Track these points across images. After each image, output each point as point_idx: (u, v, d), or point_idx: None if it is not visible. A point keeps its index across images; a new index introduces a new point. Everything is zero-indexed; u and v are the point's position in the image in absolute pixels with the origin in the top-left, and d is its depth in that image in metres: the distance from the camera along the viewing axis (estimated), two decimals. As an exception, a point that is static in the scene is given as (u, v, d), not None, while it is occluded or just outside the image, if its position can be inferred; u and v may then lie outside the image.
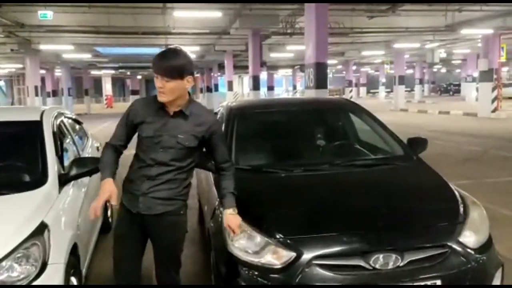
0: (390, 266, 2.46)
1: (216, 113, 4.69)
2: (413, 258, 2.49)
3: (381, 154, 3.86)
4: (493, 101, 19.04)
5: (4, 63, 28.83)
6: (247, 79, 43.61)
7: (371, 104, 19.95)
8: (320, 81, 9.51)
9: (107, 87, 44.96)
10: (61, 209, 2.90)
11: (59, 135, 3.64)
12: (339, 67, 42.55)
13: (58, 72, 33.78)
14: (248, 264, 2.54)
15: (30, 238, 2.40)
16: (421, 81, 42.74)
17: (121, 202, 2.65)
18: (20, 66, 27.23)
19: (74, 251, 2.78)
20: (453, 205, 2.89)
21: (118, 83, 56.32)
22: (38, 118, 3.52)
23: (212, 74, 35.21)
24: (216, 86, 35.10)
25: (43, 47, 18.70)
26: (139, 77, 38.43)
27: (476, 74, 26.86)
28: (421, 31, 19.04)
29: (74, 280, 2.72)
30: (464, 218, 2.77)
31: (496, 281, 2.70)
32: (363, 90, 49.78)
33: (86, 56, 24.45)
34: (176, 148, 2.50)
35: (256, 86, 17.14)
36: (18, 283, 2.28)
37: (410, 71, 43.36)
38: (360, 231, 2.63)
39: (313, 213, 2.77)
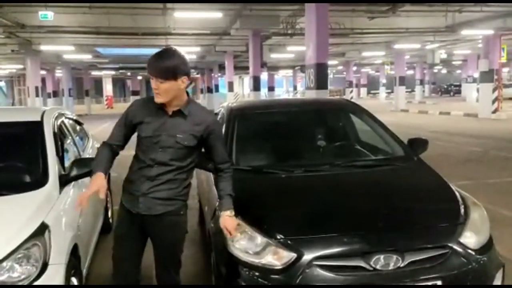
0: (391, 267, 2.46)
1: (216, 114, 4.69)
2: (414, 259, 2.49)
3: (381, 155, 3.86)
4: (493, 101, 19.03)
5: (4, 63, 28.86)
6: (247, 80, 43.63)
7: (372, 105, 19.94)
8: (321, 82, 9.51)
9: (108, 88, 44.96)
10: (62, 210, 2.90)
11: (59, 135, 3.65)
12: (340, 67, 42.56)
13: (58, 73, 33.80)
14: (248, 265, 2.54)
15: (31, 238, 2.40)
16: (422, 82, 42.75)
17: (121, 203, 2.66)
18: (21, 66, 27.24)
19: (74, 252, 2.78)
20: (454, 206, 2.89)
21: (119, 84, 56.34)
22: (38, 119, 3.52)
23: (212, 74, 35.23)
24: (217, 86, 35.12)
25: (43, 47, 18.71)
26: (139, 77, 38.43)
27: (476, 75, 26.83)
28: (421, 32, 19.04)
29: (74, 281, 2.72)
30: (465, 219, 2.77)
31: (497, 282, 2.70)
32: (363, 90, 49.78)
33: (87, 57, 24.47)
34: (175, 148, 2.51)
35: (256, 86, 17.14)
36: (19, 284, 2.28)
37: (410, 72, 43.35)
38: (361, 231, 2.63)
39: (314, 214, 2.77)
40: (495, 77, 18.93)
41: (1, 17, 13.51)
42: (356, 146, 4.15)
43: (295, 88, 49.17)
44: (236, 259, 2.58)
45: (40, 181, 2.97)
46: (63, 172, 3.18)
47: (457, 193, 3.06)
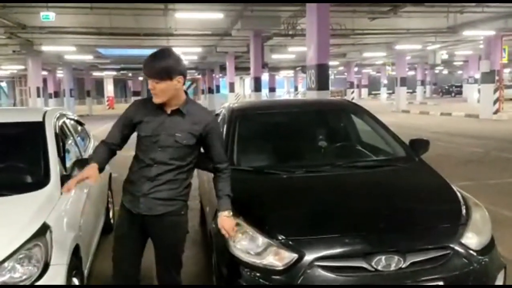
0: (392, 267, 2.45)
1: (217, 115, 4.70)
2: (415, 260, 2.49)
3: (383, 156, 3.85)
4: (495, 102, 19.02)
5: (6, 64, 28.90)
6: (248, 81, 43.64)
7: (373, 106, 19.95)
8: (322, 83, 9.50)
9: (109, 88, 45.02)
10: (63, 210, 2.90)
11: (61, 136, 3.65)
12: (341, 68, 42.53)
13: (60, 74, 33.85)
14: (249, 265, 2.54)
15: (32, 239, 2.41)
16: (423, 83, 42.75)
17: (122, 203, 2.67)
18: (22, 67, 27.26)
19: (76, 252, 2.78)
20: (455, 207, 2.89)
21: (120, 84, 56.40)
22: (40, 119, 3.52)
23: (213, 75, 35.23)
24: (218, 87, 35.11)
25: (45, 48, 18.73)
26: (140, 78, 38.42)
27: (478, 76, 26.82)
28: (422, 32, 19.03)
29: (76, 281, 2.73)
30: (466, 220, 2.76)
31: (498, 283, 2.69)
32: (364, 91, 49.73)
33: (88, 58, 24.49)
34: (174, 147, 2.52)
35: (257, 87, 17.14)
36: (20, 284, 2.29)
37: (411, 73, 43.34)
38: (362, 232, 2.63)
39: (315, 215, 2.77)
40: (497, 78, 18.92)
41: (2, 18, 13.53)
42: (357, 147, 4.15)
43: (296, 89, 49.18)
44: (237, 259, 2.58)
45: (41, 181, 2.97)
46: (64, 173, 3.18)
47: (458, 194, 3.06)
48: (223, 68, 29.59)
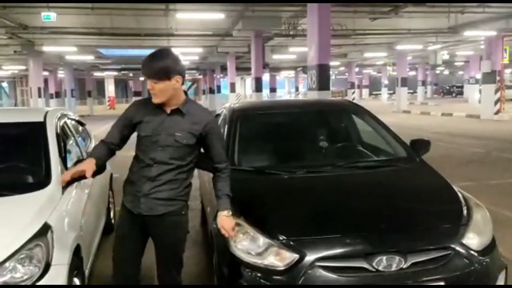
0: (393, 268, 2.45)
1: (218, 115, 4.70)
2: (417, 260, 2.49)
3: (384, 156, 3.85)
4: (496, 103, 19.00)
5: (7, 64, 28.94)
6: (249, 81, 43.62)
7: (374, 106, 19.93)
8: (323, 83, 9.50)
9: (110, 89, 45.02)
10: (64, 210, 2.90)
11: (62, 136, 3.65)
12: (342, 68, 42.52)
13: (61, 74, 33.90)
14: (250, 266, 2.54)
15: (34, 239, 2.41)
16: (424, 83, 42.71)
17: (123, 203, 2.68)
18: (23, 67, 27.31)
19: (77, 252, 2.78)
20: (456, 207, 2.89)
21: (121, 85, 56.45)
22: (41, 120, 3.53)
23: (214, 75, 35.24)
24: (219, 87, 35.12)
25: (46, 48, 18.75)
26: (141, 78, 38.38)
27: (479, 76, 26.80)
28: (423, 32, 19.02)
29: (77, 281, 2.73)
30: (468, 220, 2.76)
31: (500, 283, 2.69)
32: (365, 91, 49.73)
33: (89, 58, 24.51)
34: (174, 146, 2.53)
35: (258, 87, 17.14)
36: (22, 284, 2.29)
37: (412, 73, 43.32)
38: (363, 233, 2.63)
39: (316, 215, 2.77)
40: (498, 78, 18.90)
41: (3, 18, 13.55)
42: (358, 147, 4.15)
43: (297, 89, 49.17)
44: (238, 259, 2.58)
45: (42, 181, 2.97)
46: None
47: (459, 194, 3.05)
48: (224, 69, 29.60)
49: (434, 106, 29.05)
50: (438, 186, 3.23)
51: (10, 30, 15.31)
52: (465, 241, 2.62)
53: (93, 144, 4.94)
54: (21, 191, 2.88)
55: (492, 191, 6.53)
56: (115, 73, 40.54)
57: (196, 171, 3.32)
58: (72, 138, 4.11)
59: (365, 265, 2.45)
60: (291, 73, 44.91)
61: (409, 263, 2.47)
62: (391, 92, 42.94)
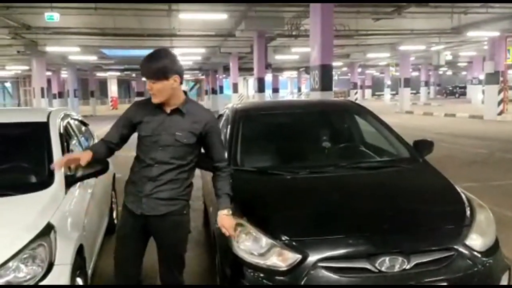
0: (396, 269, 2.45)
1: (221, 115, 4.70)
2: (420, 261, 2.48)
3: (386, 156, 3.84)
4: (499, 103, 18.96)
5: (10, 64, 28.98)
6: (252, 81, 43.59)
7: (376, 106, 19.92)
8: (325, 83, 9.49)
9: (113, 89, 45.06)
10: (67, 210, 2.91)
11: (65, 136, 3.66)
12: (344, 69, 42.45)
13: (64, 74, 33.94)
14: (253, 266, 2.55)
15: (37, 239, 2.41)
16: (427, 84, 42.65)
17: (124, 204, 2.69)
18: (27, 67, 27.34)
19: (80, 252, 2.79)
20: (460, 208, 2.88)
21: (124, 85, 56.50)
22: (45, 120, 3.54)
23: (217, 76, 35.25)
24: (221, 88, 35.15)
25: (49, 49, 18.77)
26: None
27: (482, 77, 26.74)
28: (426, 33, 18.99)
29: (79, 281, 2.73)
30: (471, 221, 2.76)
31: (503, 284, 2.68)
32: (368, 92, 49.68)
33: (92, 58, 24.53)
34: (174, 146, 2.54)
35: (261, 88, 17.15)
36: (25, 284, 2.29)
37: (415, 73, 43.23)
38: (366, 233, 2.63)
39: (319, 215, 2.77)
40: (501, 79, 18.87)
41: (7, 18, 13.59)
42: (361, 148, 4.14)
43: (299, 89, 49.11)
44: (240, 260, 2.59)
45: (46, 181, 2.98)
46: (68, 173, 3.18)
47: (462, 195, 3.05)
48: (226, 69, 29.60)
49: (437, 107, 29.00)
50: (441, 186, 3.23)
51: (13, 30, 15.34)
52: (468, 242, 2.62)
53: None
54: (24, 191, 2.89)
55: (495, 192, 6.51)
56: (118, 73, 40.58)
57: (199, 172, 3.32)
58: (75, 138, 4.12)
59: (368, 266, 2.45)
60: (294, 73, 44.90)
61: (412, 264, 2.47)
62: (394, 92, 42.82)
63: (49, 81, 27.57)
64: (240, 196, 2.98)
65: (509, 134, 13.76)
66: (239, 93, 27.91)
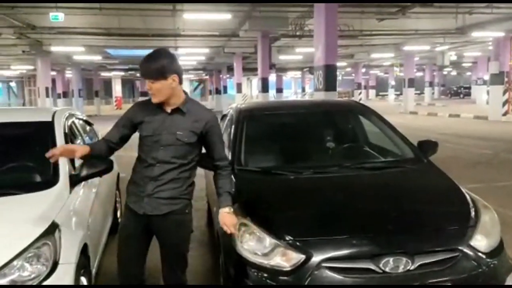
0: (401, 269, 2.44)
1: (225, 115, 4.70)
2: (424, 262, 2.47)
3: (391, 157, 3.84)
4: (504, 104, 18.88)
5: (15, 64, 29.11)
6: (256, 81, 43.58)
7: (380, 107, 19.86)
8: (330, 83, 9.48)
9: (117, 89, 45.17)
10: (72, 210, 2.92)
11: (70, 135, 3.68)
12: (349, 69, 42.43)
13: (68, 74, 34.06)
14: (257, 266, 2.54)
15: (41, 238, 2.42)
16: (431, 84, 42.54)
17: (126, 204, 2.70)
18: (31, 67, 27.46)
19: (84, 251, 2.79)
20: (464, 209, 2.87)
21: (128, 85, 56.62)
22: (49, 119, 3.55)
23: (221, 76, 35.29)
24: (225, 88, 35.15)
25: (54, 48, 18.85)
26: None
27: (486, 77, 26.65)
28: (431, 33, 18.94)
29: (84, 280, 2.74)
30: (475, 222, 2.74)
31: (508, 285, 2.67)
32: (372, 92, 49.56)
33: (97, 58, 24.61)
34: (176, 145, 2.55)
35: (265, 88, 17.14)
36: (29, 283, 2.30)
37: (419, 74, 43.13)
38: (370, 234, 2.62)
39: (323, 216, 2.77)
40: (506, 79, 18.79)
41: (12, 18, 13.65)
42: (365, 148, 4.13)
43: (303, 89, 49.11)
44: (244, 260, 2.59)
45: (50, 180, 2.99)
46: (73, 172, 3.19)
47: (467, 196, 3.04)
48: (230, 69, 29.63)
49: (442, 107, 28.91)
50: (445, 187, 3.22)
51: (18, 30, 15.41)
52: (473, 243, 2.61)
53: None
54: (29, 190, 2.90)
55: (500, 193, 6.48)
56: (122, 73, 40.68)
57: (202, 171, 3.33)
58: (80, 137, 4.13)
59: (372, 267, 2.44)
60: (298, 73, 44.85)
61: (416, 265, 2.46)
62: (398, 93, 42.77)
63: (53, 81, 27.59)
64: (244, 196, 2.99)
65: (514, 135, 13.71)
66: (243, 93, 27.94)
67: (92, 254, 3.12)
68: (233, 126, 3.87)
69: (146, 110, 2.62)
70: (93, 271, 3.20)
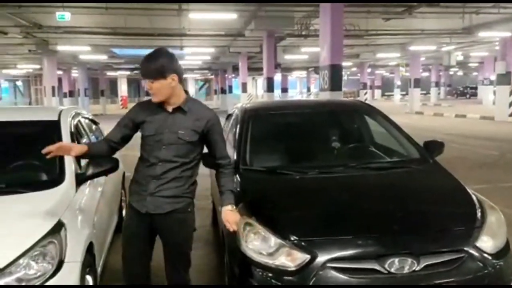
0: (406, 270, 2.43)
1: (230, 115, 4.70)
2: (429, 263, 2.46)
3: (396, 157, 3.82)
4: (510, 104, 18.74)
5: (22, 63, 29.25)
6: (261, 81, 43.61)
7: (386, 107, 19.79)
8: (335, 83, 9.46)
9: (123, 88, 45.31)
10: (78, 208, 2.93)
11: (76, 134, 3.70)
12: (354, 69, 42.31)
13: (74, 73, 34.19)
14: (261, 266, 2.54)
15: (47, 236, 2.43)
16: (437, 84, 42.35)
17: (129, 203, 2.72)
18: (38, 66, 27.58)
19: (90, 250, 2.81)
20: (470, 209, 2.86)
21: (133, 84, 56.71)
22: (56, 118, 3.57)
23: (226, 75, 35.32)
24: (230, 87, 35.19)
25: (60, 48, 18.93)
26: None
27: (493, 77, 26.49)
28: (437, 33, 18.85)
29: (89, 279, 2.75)
30: (482, 223, 2.73)
31: (514, 287, 2.66)
32: (378, 92, 49.39)
33: (103, 57, 24.69)
34: (177, 144, 2.57)
35: (270, 88, 17.14)
36: (35, 281, 2.31)
37: (426, 74, 42.95)
38: (375, 234, 2.62)
39: (328, 216, 2.76)
40: (512, 79, 18.67)
41: (18, 18, 13.72)
42: (370, 148, 4.13)
43: (308, 89, 49.04)
44: (249, 259, 2.59)
45: (56, 179, 3.01)
46: (79, 171, 3.21)
47: (473, 197, 3.02)
48: (235, 69, 29.61)
49: (448, 108, 28.78)
50: (451, 188, 3.20)
51: (25, 29, 15.49)
52: (478, 244, 2.59)
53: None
54: (35, 188, 2.92)
55: (507, 194, 6.44)
56: (128, 72, 40.79)
57: (207, 171, 3.33)
58: (86, 136, 4.14)
59: (377, 267, 2.44)
60: (303, 73, 44.80)
61: (421, 266, 2.45)
62: (403, 93, 42.64)
63: (60, 80, 27.70)
64: (249, 195, 2.99)
65: (521, 136, 13.63)
66: (248, 92, 27.93)
67: (98, 253, 3.13)
68: (238, 126, 3.88)
69: (148, 110, 2.64)
70: (99, 269, 3.21)
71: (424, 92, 41.61)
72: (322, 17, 10.02)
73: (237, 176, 3.25)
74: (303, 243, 2.54)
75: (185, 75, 43.92)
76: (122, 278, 2.77)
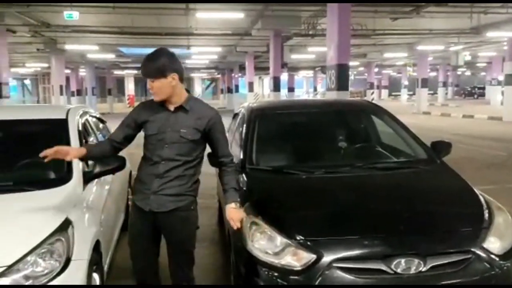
0: (412, 271, 2.43)
1: (237, 114, 4.70)
2: (436, 263, 2.46)
3: (403, 157, 3.81)
4: (518, 105, 18.63)
5: (30, 62, 29.42)
6: (267, 80, 43.58)
7: (393, 107, 19.70)
8: (342, 83, 9.44)
9: (130, 87, 45.46)
10: (85, 206, 2.95)
11: (83, 133, 3.71)
12: (361, 69, 42.14)
13: (82, 72, 34.36)
14: (267, 265, 2.55)
15: (55, 234, 2.45)
16: (445, 84, 42.12)
17: (133, 202, 2.74)
18: (46, 65, 27.73)
19: (97, 248, 2.82)
20: (478, 210, 2.84)
21: (141, 83, 56.75)
22: (64, 116, 3.59)
23: (233, 75, 35.32)
24: (237, 87, 35.18)
25: (68, 47, 19.02)
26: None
27: (501, 78, 26.28)
28: (445, 33, 18.73)
29: (96, 276, 2.76)
30: (489, 224, 2.72)
31: (521, 289, 2.64)
32: (385, 92, 49.19)
33: (110, 56, 24.80)
34: (180, 143, 2.59)
35: (276, 87, 17.13)
36: (42, 278, 2.32)
37: (433, 74, 42.73)
38: (382, 234, 2.61)
39: (334, 215, 2.76)
40: (521, 80, 18.53)
41: (27, 16, 13.81)
42: (377, 148, 4.11)
43: (315, 89, 48.93)
44: (255, 259, 2.59)
45: (64, 177, 3.03)
46: (86, 169, 3.22)
47: (481, 197, 3.00)
48: (242, 68, 29.61)
49: (455, 108, 28.62)
50: (459, 188, 3.19)
51: (33, 28, 15.58)
52: (486, 245, 2.58)
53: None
54: (43, 186, 2.94)
55: (514, 195, 6.39)
56: (135, 71, 40.82)
57: (214, 170, 3.34)
58: (93, 135, 4.17)
59: (383, 267, 2.43)
60: (310, 73, 44.70)
61: (428, 266, 2.44)
62: (411, 93, 42.43)
63: (67, 79, 27.88)
64: (255, 195, 2.99)
65: (529, 136, 13.52)
66: (255, 92, 27.93)
67: (105, 251, 3.15)
68: (244, 125, 3.88)
69: (150, 110, 2.66)
70: (105, 267, 3.23)
71: (432, 92, 41.37)
72: (329, 17, 10.00)
73: (244, 175, 3.26)
74: (309, 243, 2.54)
75: (192, 74, 44.12)
76: (132, 276, 2.78)
